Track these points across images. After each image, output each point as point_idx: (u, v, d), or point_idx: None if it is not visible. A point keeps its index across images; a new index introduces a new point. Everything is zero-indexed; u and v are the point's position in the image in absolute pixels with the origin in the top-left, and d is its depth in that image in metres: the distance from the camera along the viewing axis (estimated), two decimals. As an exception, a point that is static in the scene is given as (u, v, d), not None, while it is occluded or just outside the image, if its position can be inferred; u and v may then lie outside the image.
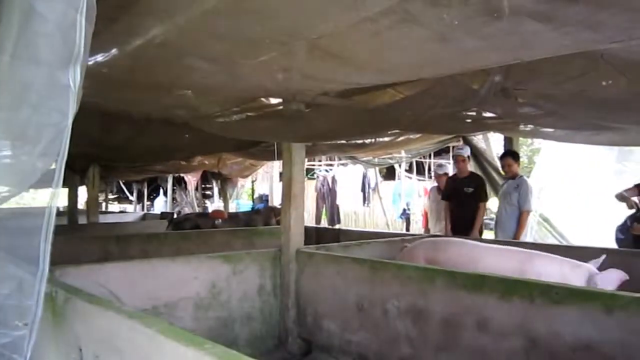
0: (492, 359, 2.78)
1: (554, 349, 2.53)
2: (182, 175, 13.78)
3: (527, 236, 6.77)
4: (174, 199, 15.60)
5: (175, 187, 15.48)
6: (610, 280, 3.13)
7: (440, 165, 7.10)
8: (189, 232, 6.46)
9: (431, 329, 3.11)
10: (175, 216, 10.75)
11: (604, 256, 3.39)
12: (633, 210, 4.79)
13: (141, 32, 2.09)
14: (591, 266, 3.29)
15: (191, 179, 14.06)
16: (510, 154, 5.75)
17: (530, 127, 4.88)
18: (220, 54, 2.40)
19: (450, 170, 6.93)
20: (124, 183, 16.71)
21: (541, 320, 2.60)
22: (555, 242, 7.30)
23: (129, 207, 17.62)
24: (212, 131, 4.60)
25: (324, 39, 2.09)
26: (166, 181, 14.94)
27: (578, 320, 2.47)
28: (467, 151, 6.01)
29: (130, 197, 17.51)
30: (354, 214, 14.07)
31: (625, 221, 4.90)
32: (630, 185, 4.94)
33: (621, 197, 4.84)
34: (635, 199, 4.73)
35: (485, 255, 3.60)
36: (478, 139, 7.28)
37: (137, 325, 1.64)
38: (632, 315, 2.30)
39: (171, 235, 6.23)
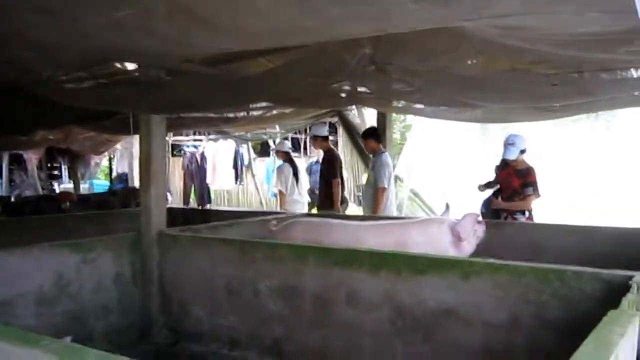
0: (360, 330, 2.98)
1: (418, 316, 2.79)
2: (20, 152, 12.46)
3: (397, 211, 7.29)
4: (11, 180, 14.02)
5: (12, 167, 13.91)
6: (469, 224, 3.62)
7: (279, 143, 7.65)
8: (29, 218, 5.90)
9: (304, 307, 3.21)
10: (12, 200, 9.72)
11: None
12: (498, 186, 5.39)
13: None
14: (449, 218, 3.79)
15: (32, 157, 12.74)
16: (364, 133, 6.38)
17: (402, 103, 5.22)
18: (57, 6, 2.18)
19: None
20: (-56, 163, 14.63)
21: (406, 289, 2.83)
22: (425, 216, 7.95)
23: (-48, 192, 15.50)
24: (58, 99, 4.20)
25: (183, -3, 2.00)
26: (0, 159, 13.34)
27: (439, 287, 2.73)
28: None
29: (-46, 180, 15.36)
30: (227, 193, 13.89)
31: (490, 196, 5.49)
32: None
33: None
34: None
35: (368, 235, 3.75)
36: (353, 115, 7.62)
37: (-44, 327, 1.47)
38: (485, 280, 2.61)
39: (6, 223, 5.63)
